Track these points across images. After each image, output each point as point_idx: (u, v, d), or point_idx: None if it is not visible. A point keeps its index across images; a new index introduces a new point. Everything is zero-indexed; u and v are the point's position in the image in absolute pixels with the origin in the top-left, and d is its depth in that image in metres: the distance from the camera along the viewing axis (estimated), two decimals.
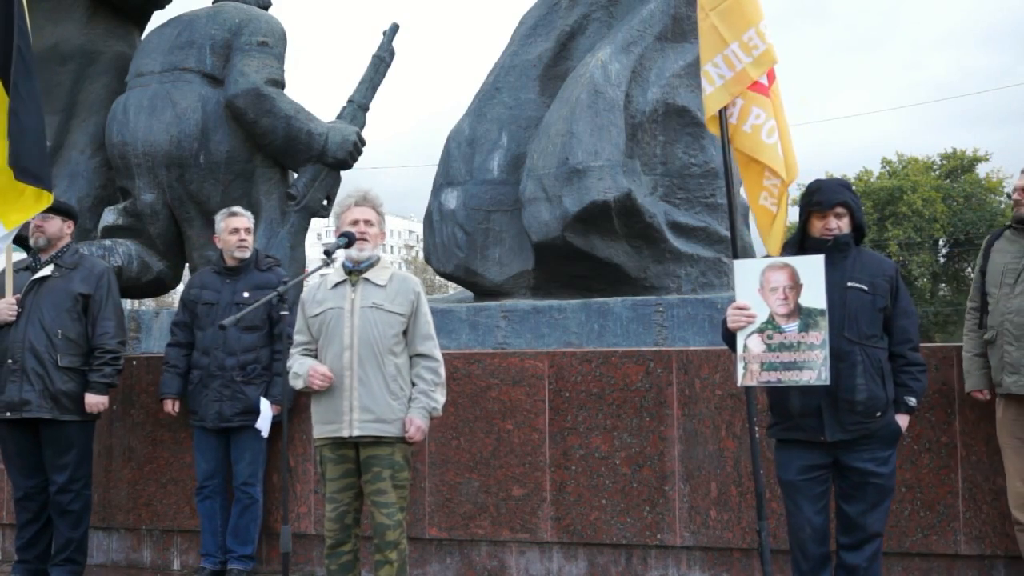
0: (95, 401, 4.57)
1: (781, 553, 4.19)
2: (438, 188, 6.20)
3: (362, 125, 6.57)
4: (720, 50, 3.91)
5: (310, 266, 5.82)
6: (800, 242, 3.66)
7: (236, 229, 4.93)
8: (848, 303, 3.49)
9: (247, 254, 4.96)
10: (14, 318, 4.51)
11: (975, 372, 4.17)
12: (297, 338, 3.94)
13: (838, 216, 3.56)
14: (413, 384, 3.81)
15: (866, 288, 3.51)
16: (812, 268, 3.42)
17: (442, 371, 3.88)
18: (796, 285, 3.43)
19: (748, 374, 3.50)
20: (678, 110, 5.88)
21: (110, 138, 6.21)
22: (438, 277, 10.43)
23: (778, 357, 3.44)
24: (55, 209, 4.67)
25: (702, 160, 5.90)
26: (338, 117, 6.55)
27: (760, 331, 3.47)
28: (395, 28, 6.79)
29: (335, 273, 3.91)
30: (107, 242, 6.17)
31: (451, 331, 5.56)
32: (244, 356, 4.79)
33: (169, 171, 6.07)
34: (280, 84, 6.17)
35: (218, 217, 5.02)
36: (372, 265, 3.87)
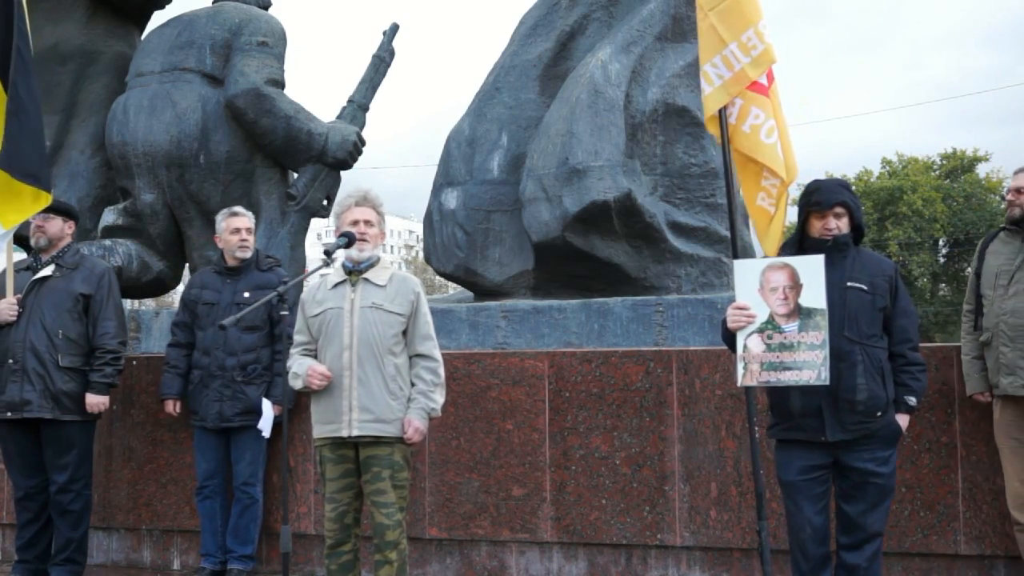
0: (96, 401, 4.57)
1: (781, 553, 4.19)
2: (438, 188, 6.20)
3: (362, 125, 6.58)
4: (719, 50, 3.91)
5: (310, 266, 5.82)
6: (799, 242, 3.66)
7: (237, 229, 4.93)
8: (848, 303, 3.49)
9: (248, 254, 4.97)
10: (15, 318, 4.51)
11: (974, 375, 4.17)
12: (297, 338, 3.94)
13: (837, 216, 3.56)
14: (412, 384, 3.81)
15: (866, 288, 3.51)
16: (812, 268, 3.42)
17: (441, 371, 3.88)
18: (796, 285, 3.43)
19: (748, 374, 3.50)
20: (678, 110, 5.88)
21: (110, 138, 6.21)
22: (438, 277, 10.43)
23: (778, 357, 3.45)
24: (56, 209, 4.68)
25: (702, 160, 5.90)
26: (338, 117, 6.55)
27: (760, 331, 3.47)
28: (395, 28, 6.79)
29: (335, 273, 3.91)
30: (107, 242, 6.17)
31: (451, 331, 5.56)
32: (245, 356, 4.79)
33: (169, 171, 6.07)
34: (280, 84, 6.17)
35: (219, 217, 5.02)
36: (372, 265, 3.87)
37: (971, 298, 4.26)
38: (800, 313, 3.42)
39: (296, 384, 3.85)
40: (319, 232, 43.93)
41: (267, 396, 4.74)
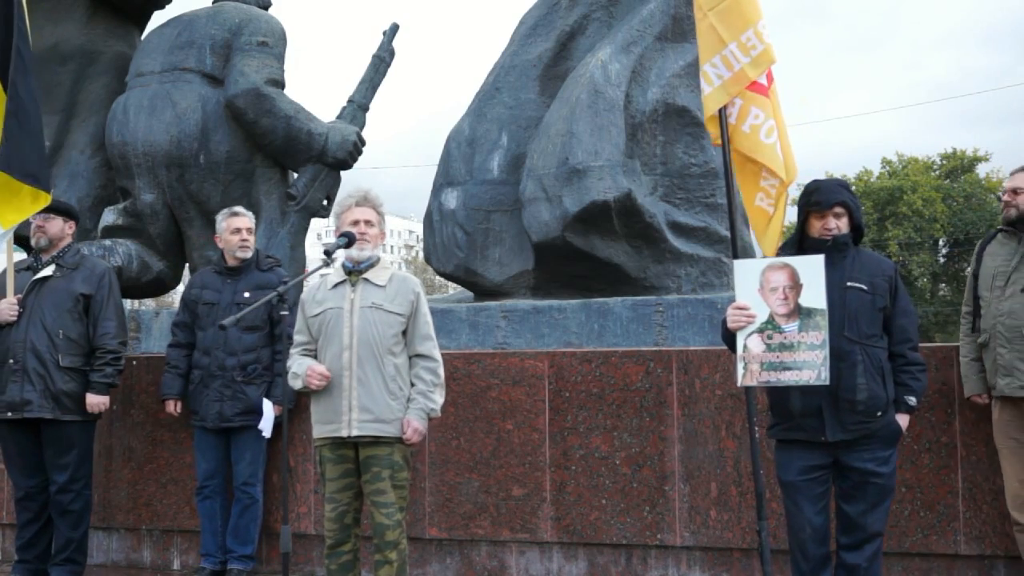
0: (96, 401, 4.57)
1: (781, 553, 4.19)
2: (438, 188, 6.20)
3: (362, 125, 6.58)
4: (718, 50, 3.91)
5: (310, 266, 5.83)
6: (799, 242, 3.66)
7: (238, 229, 4.93)
8: (848, 303, 3.49)
9: (249, 254, 4.97)
10: (15, 318, 4.51)
11: (972, 377, 4.18)
12: (297, 338, 3.94)
13: (837, 216, 3.57)
14: (412, 384, 3.81)
15: (865, 288, 3.51)
16: (812, 268, 3.42)
17: (441, 372, 3.87)
18: (796, 285, 3.43)
19: (748, 374, 3.50)
20: (678, 110, 5.88)
21: (110, 138, 6.21)
22: (438, 277, 10.43)
23: (778, 357, 3.45)
24: (56, 209, 4.68)
25: (702, 160, 5.91)
26: (338, 117, 6.55)
27: (760, 331, 3.47)
28: (395, 28, 6.79)
29: (335, 273, 3.92)
30: (107, 242, 6.17)
31: (451, 331, 5.56)
32: (245, 356, 4.79)
33: (169, 171, 6.07)
34: (280, 84, 6.17)
35: (219, 217, 5.02)
36: (372, 265, 3.87)
37: (969, 300, 4.27)
38: (800, 313, 3.42)
39: (295, 384, 3.85)
40: (319, 232, 43.94)
41: (268, 396, 4.75)
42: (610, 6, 6.15)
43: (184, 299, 5.03)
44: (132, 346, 5.95)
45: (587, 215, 5.53)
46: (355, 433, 3.71)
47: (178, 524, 5.21)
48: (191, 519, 5.12)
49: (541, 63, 6.20)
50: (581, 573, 4.71)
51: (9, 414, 4.48)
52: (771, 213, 3.99)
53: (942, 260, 35.63)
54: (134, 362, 5.29)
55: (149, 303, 23.92)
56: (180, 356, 4.95)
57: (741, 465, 4.49)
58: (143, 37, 6.69)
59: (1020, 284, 3.98)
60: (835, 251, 3.54)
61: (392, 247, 69.18)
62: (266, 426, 4.64)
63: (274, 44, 6.19)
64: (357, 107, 6.60)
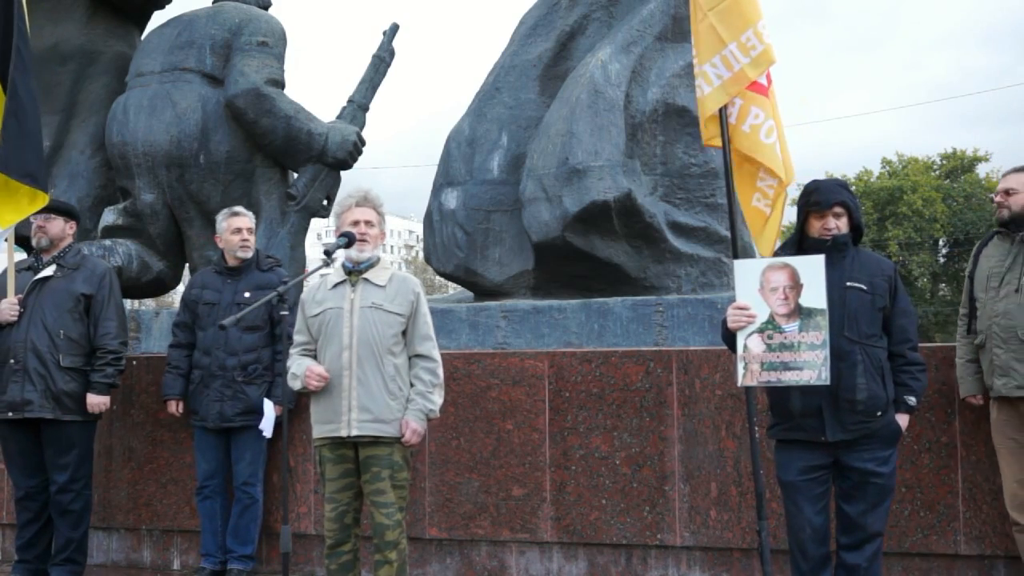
0: (97, 401, 4.58)
1: (781, 553, 4.19)
2: (438, 188, 6.20)
3: (362, 125, 6.58)
4: (718, 50, 3.92)
5: (310, 266, 5.83)
6: (798, 242, 3.67)
7: (238, 229, 4.93)
8: (848, 303, 3.49)
9: (249, 254, 4.97)
10: (16, 318, 4.52)
11: (968, 378, 4.18)
12: (297, 338, 3.94)
13: (836, 216, 3.57)
14: (411, 385, 3.81)
15: (865, 288, 3.52)
16: (812, 268, 3.42)
17: (440, 372, 3.88)
18: (796, 285, 3.43)
19: (748, 374, 3.50)
20: (678, 110, 5.88)
21: (110, 138, 6.22)
22: (438, 277, 10.43)
23: (778, 357, 3.45)
24: (57, 210, 4.69)
25: (702, 160, 5.90)
26: (338, 117, 6.56)
27: (760, 331, 3.48)
28: (395, 28, 6.79)
29: (335, 273, 3.92)
30: (107, 242, 6.18)
31: (451, 331, 5.56)
32: (245, 356, 4.79)
33: (169, 171, 6.08)
34: (280, 84, 6.17)
35: (220, 217, 5.02)
36: (372, 265, 3.87)
37: (965, 302, 4.27)
38: (800, 313, 3.42)
39: (294, 385, 3.85)
40: (319, 232, 43.94)
41: (268, 396, 4.75)
42: (610, 6, 6.15)
43: (184, 299, 5.03)
44: (132, 346, 5.95)
45: (587, 215, 5.53)
46: (355, 433, 3.71)
47: (178, 524, 5.21)
48: (191, 519, 5.12)
49: (541, 63, 6.20)
50: (581, 573, 4.71)
51: (10, 414, 4.48)
52: (768, 214, 4.00)
53: (942, 260, 35.62)
54: (134, 362, 5.29)
55: (149, 303, 23.92)
56: (181, 356, 4.95)
57: (741, 465, 4.49)
58: (143, 37, 6.69)
59: (1014, 285, 3.99)
60: (835, 251, 3.54)
61: (392, 247, 69.18)
62: (267, 426, 4.65)
63: (274, 44, 6.19)
64: (357, 107, 6.60)
